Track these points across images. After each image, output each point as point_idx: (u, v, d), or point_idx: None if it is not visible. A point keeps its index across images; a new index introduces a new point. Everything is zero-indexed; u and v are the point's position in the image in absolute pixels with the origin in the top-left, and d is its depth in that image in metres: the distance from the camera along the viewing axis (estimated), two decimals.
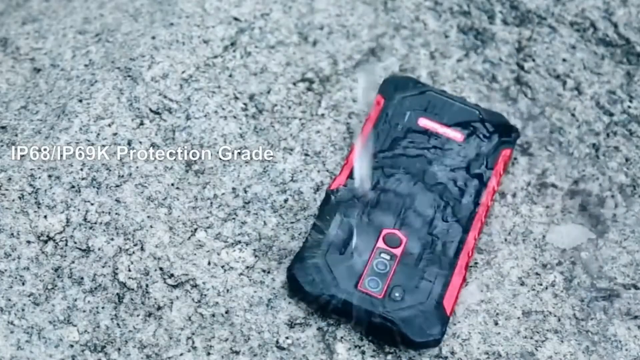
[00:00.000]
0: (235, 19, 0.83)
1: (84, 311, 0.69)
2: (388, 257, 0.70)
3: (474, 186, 0.74)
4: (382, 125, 0.76)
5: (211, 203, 0.74)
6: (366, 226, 0.71)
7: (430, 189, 0.73)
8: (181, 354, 0.68)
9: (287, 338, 0.69)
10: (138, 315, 0.69)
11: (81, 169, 0.74)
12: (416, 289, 0.69)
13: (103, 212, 0.72)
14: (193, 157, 0.76)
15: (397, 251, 0.70)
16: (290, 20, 0.84)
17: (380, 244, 0.70)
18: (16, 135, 0.76)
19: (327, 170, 0.76)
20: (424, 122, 0.77)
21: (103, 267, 0.70)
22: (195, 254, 0.71)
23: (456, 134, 0.76)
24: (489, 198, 0.74)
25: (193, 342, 0.68)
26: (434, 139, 0.76)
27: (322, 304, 0.69)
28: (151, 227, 0.72)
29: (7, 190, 0.73)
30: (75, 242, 0.71)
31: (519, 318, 0.71)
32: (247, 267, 0.71)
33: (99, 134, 0.75)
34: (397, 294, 0.68)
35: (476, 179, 0.74)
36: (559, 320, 0.72)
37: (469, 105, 0.78)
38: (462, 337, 0.70)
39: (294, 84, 0.80)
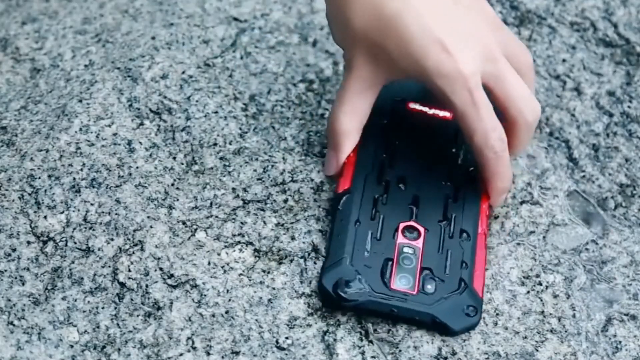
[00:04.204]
0: (235, 19, 0.83)
1: (84, 311, 0.69)
2: (411, 251, 0.70)
3: (475, 162, 0.73)
4: (373, 116, 0.74)
5: (211, 203, 0.74)
6: (383, 223, 0.71)
7: (434, 173, 0.73)
8: (181, 354, 0.68)
9: (287, 338, 0.69)
10: (138, 316, 0.69)
11: (81, 169, 0.74)
12: (445, 277, 0.68)
13: (103, 212, 0.72)
14: (193, 157, 0.76)
15: (419, 243, 0.70)
16: (290, 20, 0.84)
17: (401, 239, 0.70)
18: (16, 135, 0.76)
19: None
20: (413, 106, 0.76)
21: (103, 267, 0.70)
22: (195, 254, 0.71)
23: (446, 113, 0.75)
24: None
25: (193, 342, 0.68)
26: (427, 121, 0.75)
27: (360, 311, 0.68)
28: (151, 227, 0.72)
29: (7, 190, 0.73)
30: (75, 242, 0.71)
31: (519, 318, 0.71)
32: (247, 268, 0.71)
33: (99, 134, 0.75)
34: (429, 287, 0.68)
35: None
36: (559, 320, 0.72)
37: None
38: (462, 337, 0.70)
39: (294, 84, 0.80)
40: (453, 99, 0.69)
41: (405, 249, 0.69)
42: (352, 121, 0.72)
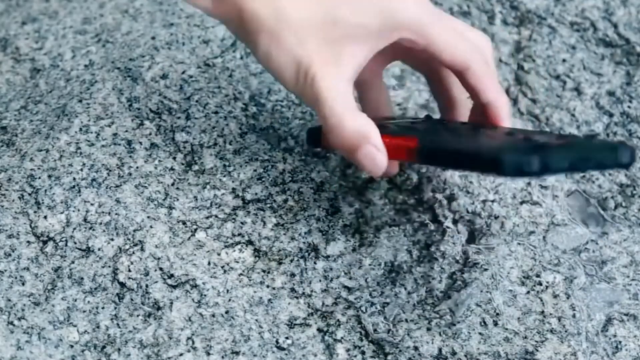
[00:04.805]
0: None
1: (84, 311, 0.69)
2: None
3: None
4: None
5: (211, 203, 0.74)
6: (480, 129, 0.68)
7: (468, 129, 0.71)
8: (181, 354, 0.68)
9: (287, 338, 0.69)
10: (138, 316, 0.69)
11: (81, 169, 0.74)
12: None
13: (103, 212, 0.72)
14: (193, 157, 0.76)
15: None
16: None
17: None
18: (16, 135, 0.76)
19: (327, 171, 0.76)
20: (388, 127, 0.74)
21: (103, 267, 0.70)
22: (195, 254, 0.71)
23: (419, 117, 0.75)
24: None
25: (193, 342, 0.68)
26: (410, 124, 0.74)
27: (556, 164, 0.62)
28: (151, 227, 0.72)
29: (7, 190, 0.73)
30: (75, 242, 0.71)
31: (519, 318, 0.71)
32: (247, 268, 0.71)
33: (98, 134, 0.75)
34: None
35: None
36: (559, 320, 0.72)
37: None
38: (462, 337, 0.70)
39: None
40: (427, 28, 0.66)
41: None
42: (355, 110, 0.66)
